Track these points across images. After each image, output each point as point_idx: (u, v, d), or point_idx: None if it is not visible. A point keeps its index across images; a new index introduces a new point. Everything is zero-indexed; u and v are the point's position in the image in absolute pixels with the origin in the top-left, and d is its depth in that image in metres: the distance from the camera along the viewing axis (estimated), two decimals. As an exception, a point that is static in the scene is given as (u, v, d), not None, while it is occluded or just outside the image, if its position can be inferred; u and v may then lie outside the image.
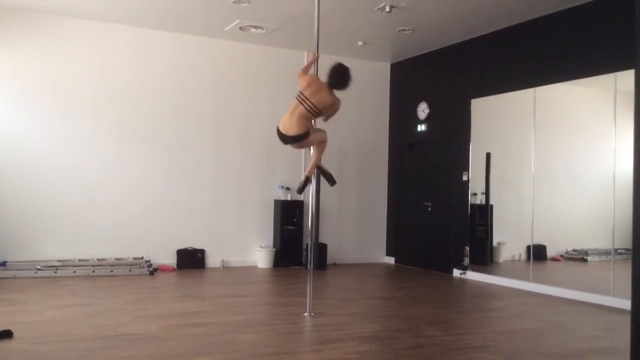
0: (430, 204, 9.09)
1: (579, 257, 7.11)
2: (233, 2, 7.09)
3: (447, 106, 8.82)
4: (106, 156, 8.08)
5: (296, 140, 5.21)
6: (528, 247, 7.47)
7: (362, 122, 9.77)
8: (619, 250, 6.40)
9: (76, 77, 7.95)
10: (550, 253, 7.35)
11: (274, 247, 8.93)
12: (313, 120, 5.51)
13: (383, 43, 8.82)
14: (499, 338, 4.92)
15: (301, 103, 5.13)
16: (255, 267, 8.80)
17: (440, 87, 9.01)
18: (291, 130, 5.15)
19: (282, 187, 8.99)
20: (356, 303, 6.38)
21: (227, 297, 6.54)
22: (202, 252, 8.57)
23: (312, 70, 5.49)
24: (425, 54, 9.25)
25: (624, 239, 6.27)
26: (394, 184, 9.89)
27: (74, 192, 7.87)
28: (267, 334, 4.87)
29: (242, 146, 8.88)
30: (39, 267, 7.42)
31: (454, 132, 8.66)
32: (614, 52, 6.39)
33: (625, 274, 5.88)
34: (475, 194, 8.31)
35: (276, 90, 8.73)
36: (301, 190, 5.55)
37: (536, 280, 7.25)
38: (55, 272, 7.42)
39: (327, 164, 5.83)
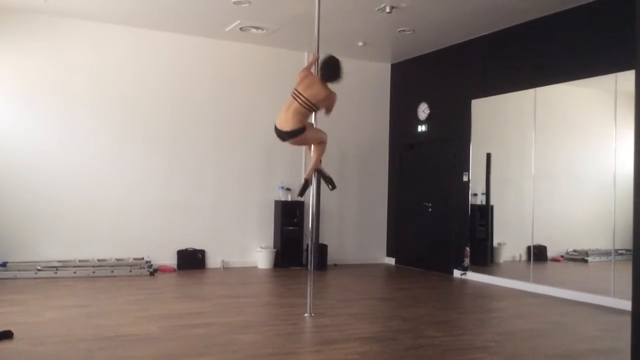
0: (430, 204, 9.08)
1: (579, 257, 7.11)
2: (233, 2, 7.09)
3: (448, 107, 8.82)
4: (106, 157, 8.08)
5: (292, 135, 5.25)
6: (528, 248, 7.46)
7: (363, 122, 9.77)
8: (619, 251, 6.40)
9: (77, 77, 7.95)
10: (550, 254, 7.35)
11: (274, 247, 8.93)
12: (314, 121, 5.54)
13: (383, 43, 8.83)
14: (499, 339, 4.92)
15: (295, 99, 5.21)
16: (256, 267, 8.80)
17: (440, 88, 9.01)
18: (287, 125, 5.22)
19: (283, 187, 8.99)
20: (356, 304, 6.38)
21: (228, 297, 6.54)
22: (202, 252, 8.57)
23: (312, 70, 5.50)
24: (426, 54, 9.26)
25: (625, 240, 6.27)
26: (394, 184, 9.89)
27: (74, 193, 7.87)
28: (268, 334, 4.87)
29: (243, 147, 8.88)
30: (39, 267, 7.43)
31: (454, 133, 8.66)
32: (614, 53, 6.39)
33: (625, 274, 5.88)
34: (475, 195, 8.31)
35: (276, 90, 8.71)
36: (302, 193, 5.56)
37: (536, 280, 7.25)
38: (56, 273, 7.42)
39: (328, 165, 5.84)
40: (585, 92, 7.22)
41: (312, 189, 5.72)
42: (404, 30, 8.07)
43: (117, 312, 5.52)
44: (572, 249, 7.18)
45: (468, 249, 8.29)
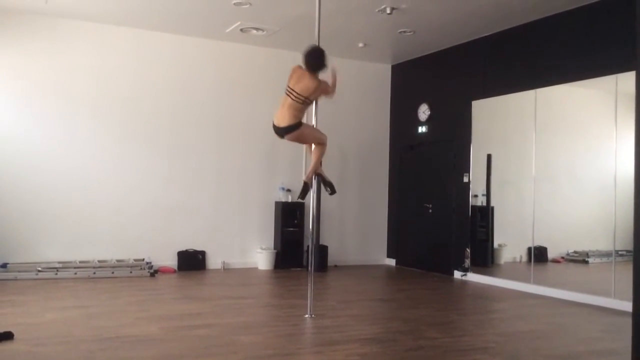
0: (431, 205, 9.08)
1: (580, 258, 7.10)
2: (234, 3, 7.10)
3: (448, 108, 8.83)
4: (107, 158, 8.09)
5: (288, 130, 5.31)
6: (529, 249, 7.46)
7: (363, 123, 9.78)
8: (620, 252, 6.40)
9: (77, 78, 7.96)
10: (551, 255, 7.35)
11: (274, 248, 8.93)
12: (315, 122, 5.55)
13: (384, 45, 8.83)
14: (499, 340, 4.91)
15: (288, 95, 5.31)
16: (256, 268, 8.80)
17: (441, 89, 9.01)
18: (283, 121, 5.31)
19: (283, 188, 8.99)
20: (357, 305, 6.38)
21: (228, 298, 6.54)
22: (202, 253, 8.57)
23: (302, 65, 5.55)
24: (426, 55, 9.26)
25: (625, 241, 6.27)
26: (394, 185, 9.89)
27: (74, 194, 7.88)
28: (268, 335, 4.87)
29: (243, 148, 8.89)
30: (39, 268, 7.43)
31: (454, 134, 8.66)
32: (614, 54, 6.39)
33: (626, 275, 5.88)
34: (476, 196, 8.31)
35: (277, 91, 8.59)
36: (303, 196, 5.57)
37: (537, 282, 7.25)
38: (56, 274, 7.43)
39: (328, 166, 5.85)
40: (586, 93, 7.22)
41: (312, 190, 5.73)
42: (404, 32, 8.07)
43: (117, 313, 5.52)
44: (572, 250, 7.18)
45: (468, 250, 8.29)
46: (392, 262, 9.80)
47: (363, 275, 8.66)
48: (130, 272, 7.78)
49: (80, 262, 7.78)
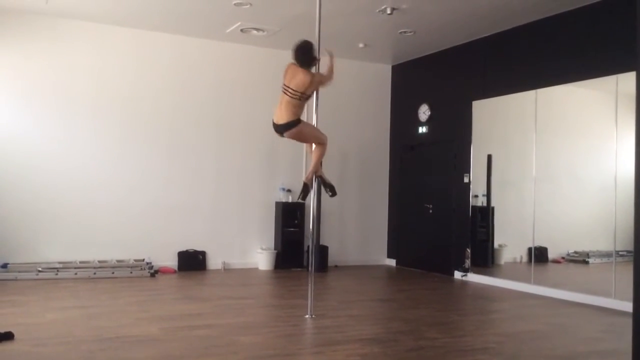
0: (431, 206, 9.08)
1: (580, 259, 7.10)
2: (234, 4, 7.10)
3: (448, 108, 8.82)
4: (107, 158, 8.09)
5: (287, 127, 5.34)
6: (529, 249, 7.46)
7: (363, 124, 9.78)
8: (620, 252, 6.39)
9: (77, 78, 7.96)
10: (551, 255, 7.35)
11: (275, 249, 8.93)
12: (315, 121, 5.55)
13: (384, 45, 8.83)
14: (500, 340, 4.91)
15: (285, 93, 5.37)
16: (257, 269, 8.80)
17: (441, 89, 9.01)
18: (282, 118, 5.36)
19: (283, 189, 8.99)
20: (357, 305, 6.38)
21: (228, 299, 6.54)
22: (203, 254, 8.57)
23: (313, 70, 5.54)
24: (427, 55, 9.26)
25: (626, 241, 6.27)
26: (395, 186, 9.89)
27: (75, 194, 7.88)
28: (268, 336, 4.87)
29: (243, 148, 8.89)
30: (40, 269, 7.43)
31: (455, 134, 8.66)
32: (615, 54, 6.39)
33: (626, 276, 5.89)
34: (476, 196, 8.31)
35: (277, 92, 8.66)
36: (303, 197, 5.58)
37: (537, 282, 7.25)
38: (57, 274, 7.43)
39: (328, 166, 5.85)
40: (586, 93, 7.22)
41: (312, 191, 5.73)
42: (404, 32, 8.07)
43: (117, 313, 5.52)
44: (573, 251, 7.17)
45: (469, 250, 8.29)
46: (392, 262, 9.80)
47: (363, 275, 8.66)
48: (131, 273, 7.78)
49: (80, 262, 7.78)
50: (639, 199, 3.11)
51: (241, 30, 8.13)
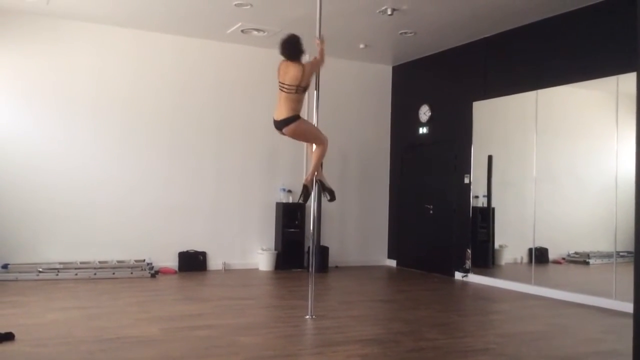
0: (431, 206, 9.08)
1: (581, 259, 7.09)
2: (235, 5, 7.10)
3: (449, 109, 8.82)
4: (107, 158, 8.09)
5: (286, 123, 5.36)
6: (530, 250, 7.45)
7: (364, 124, 9.78)
8: (621, 253, 6.39)
9: (78, 79, 7.97)
10: (552, 256, 7.34)
11: (275, 249, 8.93)
12: (315, 120, 5.55)
13: (385, 46, 8.83)
14: (500, 341, 4.91)
15: (281, 90, 5.46)
16: (257, 269, 8.80)
17: (441, 90, 9.01)
18: (281, 114, 5.41)
19: (284, 189, 8.99)
20: (358, 306, 6.38)
21: (229, 299, 6.54)
22: (203, 254, 8.57)
23: (304, 60, 5.60)
24: (427, 56, 9.26)
25: (626, 242, 6.26)
26: (395, 186, 9.89)
27: (75, 194, 7.88)
28: (269, 336, 4.87)
29: (244, 148, 8.89)
30: (40, 269, 7.43)
31: (455, 135, 8.66)
32: (615, 55, 6.39)
33: (627, 276, 5.89)
34: (477, 197, 8.31)
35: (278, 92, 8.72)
36: (304, 200, 5.55)
37: (538, 283, 7.24)
38: (57, 275, 7.43)
39: (329, 166, 5.85)
40: (587, 94, 7.21)
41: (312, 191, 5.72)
42: (405, 33, 8.07)
43: (118, 314, 5.52)
44: (573, 251, 7.17)
45: (469, 251, 8.28)
46: (392, 263, 9.79)
47: (364, 276, 8.66)
48: (131, 273, 7.78)
49: (80, 263, 7.79)
50: (639, 200, 3.11)
51: (242, 31, 8.14)
